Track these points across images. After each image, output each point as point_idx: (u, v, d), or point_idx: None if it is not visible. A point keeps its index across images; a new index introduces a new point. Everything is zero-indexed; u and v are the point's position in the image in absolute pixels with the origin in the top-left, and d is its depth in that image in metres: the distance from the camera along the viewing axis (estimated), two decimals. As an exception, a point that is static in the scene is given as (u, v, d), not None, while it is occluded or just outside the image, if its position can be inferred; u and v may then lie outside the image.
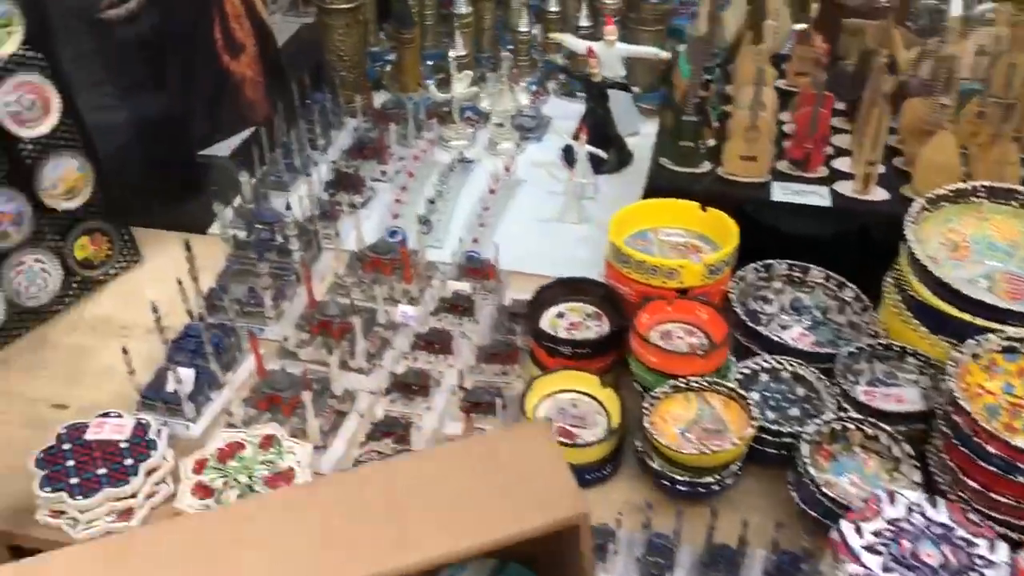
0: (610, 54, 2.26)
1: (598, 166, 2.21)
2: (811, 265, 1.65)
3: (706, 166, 1.76)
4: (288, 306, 1.79)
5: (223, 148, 2.49)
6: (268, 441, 1.45)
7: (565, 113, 2.54)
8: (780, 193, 1.70)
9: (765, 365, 1.51)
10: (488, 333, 1.70)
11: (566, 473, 0.96)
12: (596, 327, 1.60)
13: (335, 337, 1.64)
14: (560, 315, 1.63)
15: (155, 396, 1.55)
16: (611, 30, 2.26)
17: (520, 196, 2.20)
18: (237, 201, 2.06)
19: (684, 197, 1.69)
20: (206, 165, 2.42)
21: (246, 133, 2.54)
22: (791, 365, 1.50)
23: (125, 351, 1.51)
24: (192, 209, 2.23)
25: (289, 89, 2.33)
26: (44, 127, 1.68)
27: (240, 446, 1.44)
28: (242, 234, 1.87)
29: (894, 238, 1.51)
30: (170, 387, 1.56)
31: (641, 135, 2.39)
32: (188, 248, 1.68)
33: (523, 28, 2.55)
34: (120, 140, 2.01)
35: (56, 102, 1.68)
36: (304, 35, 2.78)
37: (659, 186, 1.74)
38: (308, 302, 1.71)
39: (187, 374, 1.56)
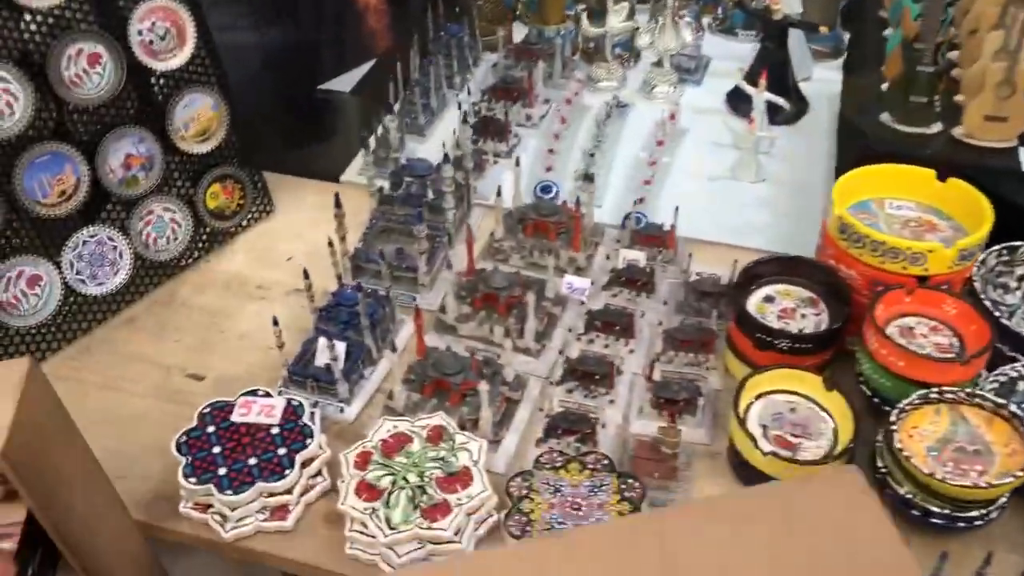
0: (789, -13, 1.97)
1: (773, 116, 1.94)
2: (1064, 250, 1.39)
3: (937, 126, 1.49)
4: (442, 272, 1.58)
5: (343, 83, 2.30)
6: (437, 434, 1.25)
7: (723, 53, 2.27)
8: (1031, 162, 1.43)
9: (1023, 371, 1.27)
10: (672, 314, 1.48)
11: (894, 539, 0.74)
12: (813, 316, 1.37)
13: (502, 312, 1.43)
14: (769, 299, 1.40)
15: (303, 372, 1.37)
16: (791, -40, 1.97)
17: (685, 149, 1.95)
18: (372, 146, 1.85)
19: (908, 162, 1.43)
20: (327, 101, 2.23)
21: (366, 67, 2.34)
22: (1055, 373, 1.25)
23: (276, 323, 1.32)
24: (318, 152, 2.05)
25: (417, 19, 2.09)
26: (179, 59, 1.48)
27: (406, 439, 1.25)
28: (382, 183, 1.66)
29: None
30: (319, 361, 1.38)
31: (813, 80, 2.12)
32: (338, 203, 1.47)
33: (683, -44, 2.25)
34: (249, 70, 1.81)
35: (192, 31, 1.48)
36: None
37: (879, 149, 1.48)
38: (467, 269, 1.50)
39: (340, 348, 1.37)
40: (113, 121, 1.43)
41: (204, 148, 1.56)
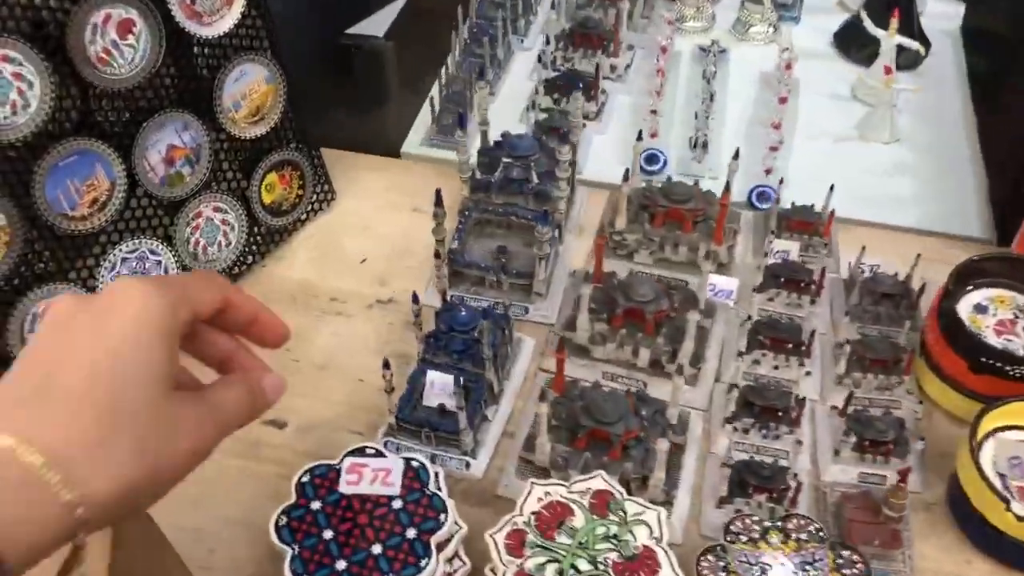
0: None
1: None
2: None
3: None
4: (555, 275, 1.31)
5: (374, 25, 1.97)
6: (603, 502, 1.00)
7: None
8: None
9: None
10: (846, 323, 1.23)
11: None
12: (1040, 330, 1.12)
13: (650, 331, 1.17)
14: (980, 308, 1.15)
15: (413, 418, 1.10)
16: None
17: (800, 103, 1.67)
18: (436, 110, 1.55)
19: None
20: (362, 50, 1.90)
21: (398, 4, 2.01)
22: None
23: (387, 366, 1.04)
24: (366, 118, 1.73)
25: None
26: (227, 21, 1.15)
27: (566, 510, 0.99)
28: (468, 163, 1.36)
29: None
30: (430, 401, 1.11)
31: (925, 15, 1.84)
32: (439, 200, 1.18)
33: None
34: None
35: (241, -14, 1.15)
36: None
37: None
38: (595, 274, 1.23)
39: (455, 385, 1.11)
40: (151, 106, 1.12)
41: (259, 130, 1.25)
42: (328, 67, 1.85)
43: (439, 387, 1.12)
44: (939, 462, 1.10)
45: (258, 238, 1.32)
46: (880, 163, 1.55)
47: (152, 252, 1.17)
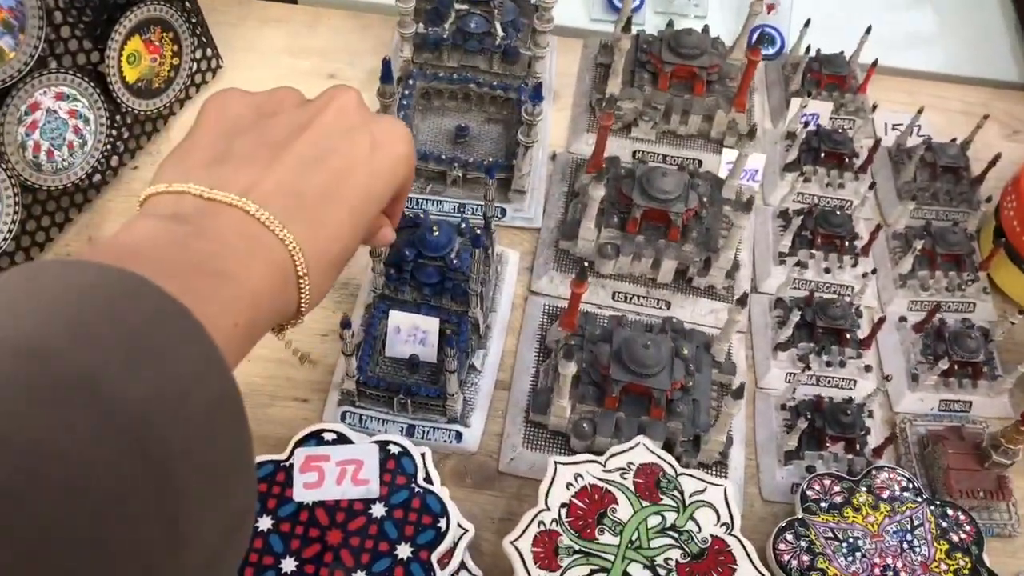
0: None
1: None
2: None
3: None
4: (533, 161, 1.00)
5: None
6: (651, 479, 0.76)
7: None
8: None
9: None
10: (897, 206, 0.99)
11: None
12: None
13: (675, 237, 0.90)
14: (1079, 187, 0.92)
15: (376, 380, 0.82)
16: None
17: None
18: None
19: None
20: None
21: None
22: None
23: (346, 325, 0.74)
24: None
25: None
26: None
27: (606, 496, 0.75)
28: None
29: None
30: (396, 350, 0.83)
31: None
32: (387, 74, 0.84)
33: None
34: None
35: None
36: None
37: None
38: (594, 161, 0.93)
39: (430, 324, 0.82)
40: (-66, -55, 0.72)
41: (109, -23, 0.86)
42: None
43: (407, 332, 0.83)
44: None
45: (123, 131, 0.95)
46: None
47: (-30, 168, 0.80)
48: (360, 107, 0.53)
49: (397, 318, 0.83)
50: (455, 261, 0.82)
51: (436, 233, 0.82)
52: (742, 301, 0.79)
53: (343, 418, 0.83)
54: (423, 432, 0.82)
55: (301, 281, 0.46)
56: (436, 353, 0.82)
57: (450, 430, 0.83)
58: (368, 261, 0.85)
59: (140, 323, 0.35)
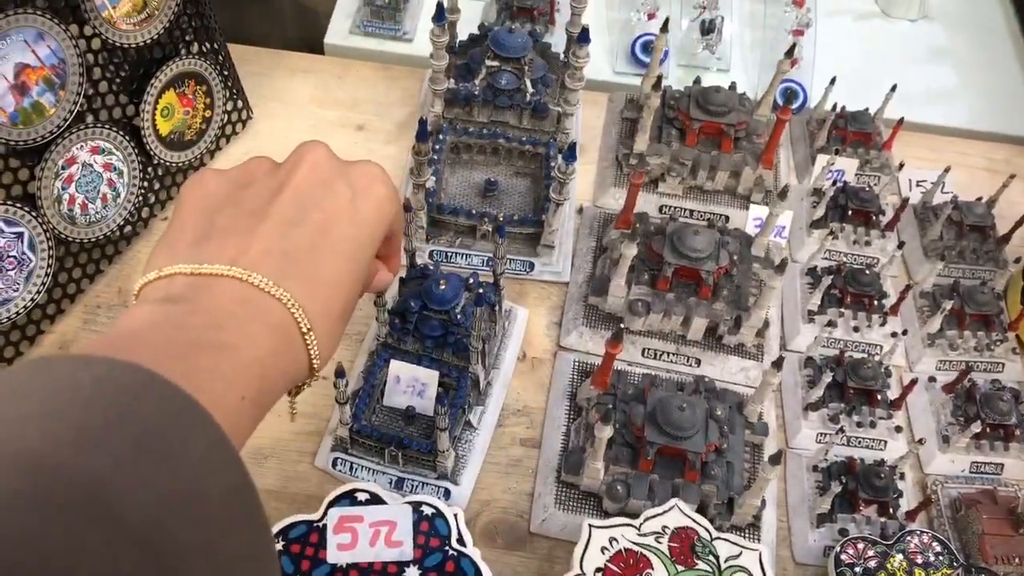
0: None
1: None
2: None
3: None
4: (559, 215, 1.01)
5: None
6: (685, 544, 0.76)
7: None
8: None
9: None
10: (923, 264, 0.99)
11: None
12: None
13: (706, 295, 0.90)
14: (1108, 249, 0.93)
15: (370, 428, 0.81)
16: None
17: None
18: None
19: None
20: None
21: None
22: None
23: (340, 374, 0.74)
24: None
25: None
26: None
27: (641, 560, 0.75)
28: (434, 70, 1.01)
29: None
30: (393, 400, 0.83)
31: None
32: (423, 134, 0.85)
33: None
34: None
35: None
36: None
37: None
38: (623, 217, 0.93)
39: (430, 377, 0.82)
40: (-18, 7, 0.73)
41: (147, 33, 0.87)
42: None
43: (406, 383, 0.83)
44: (1054, 437, 0.90)
45: (155, 183, 0.95)
46: (911, 47, 1.30)
47: (8, 222, 0.80)
48: (331, 159, 0.53)
49: (397, 368, 0.83)
50: (459, 316, 0.82)
51: (443, 287, 0.82)
52: (778, 364, 0.79)
53: (334, 464, 0.83)
54: (411, 486, 0.82)
55: (306, 337, 0.47)
56: (433, 406, 0.82)
57: (439, 486, 0.82)
58: (373, 310, 0.85)
59: (147, 422, 0.35)
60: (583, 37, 0.92)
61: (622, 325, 0.85)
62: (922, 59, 1.28)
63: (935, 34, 1.31)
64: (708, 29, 1.20)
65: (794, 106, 1.18)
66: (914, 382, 0.86)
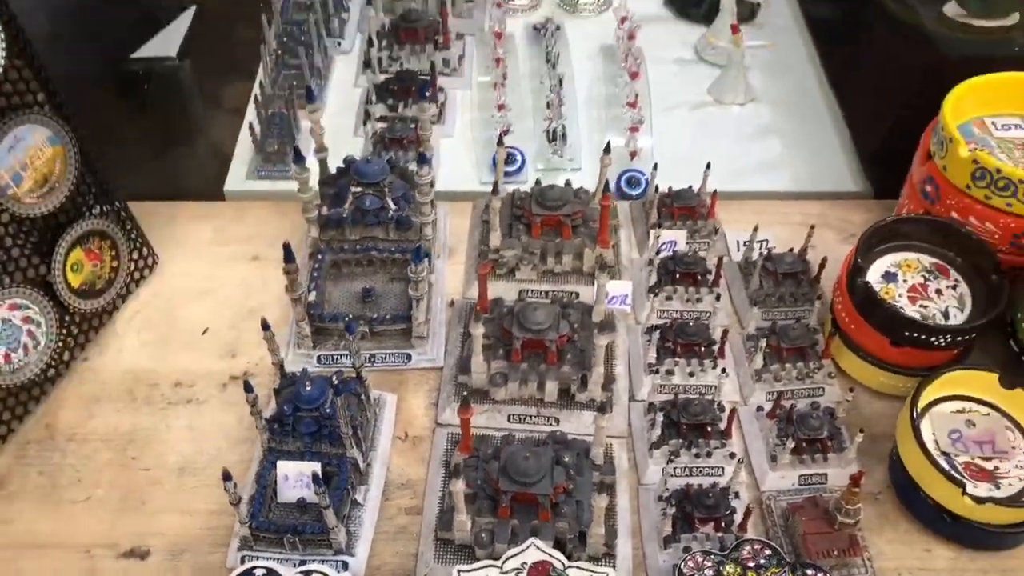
0: None
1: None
2: None
3: (1015, 17, 1.20)
4: (432, 310, 1.16)
5: (163, 45, 1.73)
6: (541, 573, 0.87)
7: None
8: None
9: None
10: (749, 311, 1.15)
11: None
12: (950, 291, 1.07)
13: (552, 361, 1.04)
14: (889, 276, 1.08)
15: (268, 524, 0.93)
16: None
17: (647, 74, 1.56)
18: (257, 136, 1.37)
19: (987, 67, 1.13)
20: (154, 74, 1.66)
21: (185, 18, 1.78)
22: None
23: (227, 477, 0.86)
24: (176, 156, 1.51)
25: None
26: (-17, 81, 0.93)
27: (505, 599, 0.86)
28: (307, 191, 1.17)
29: None
30: (286, 496, 0.95)
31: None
32: (288, 255, 1.00)
33: None
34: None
35: (-6, 31, 0.93)
36: None
37: (951, 54, 1.17)
38: (480, 304, 1.08)
39: (312, 469, 0.94)
40: (-99, 201, 0.89)
41: (51, 203, 1.03)
42: (118, 101, 1.61)
43: (294, 478, 0.95)
44: (871, 446, 1.04)
45: (72, 329, 1.10)
46: (742, 127, 1.48)
47: (-62, 377, 0.94)
48: None
49: (283, 467, 0.95)
50: (328, 410, 0.95)
51: (309, 388, 0.95)
52: (602, 409, 0.93)
53: (242, 561, 0.92)
54: (310, 567, 0.92)
55: None
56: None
57: (336, 561, 0.93)
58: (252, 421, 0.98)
59: None
60: (422, 159, 1.09)
61: (466, 393, 0.98)
62: (751, 137, 1.46)
63: (761, 115, 1.50)
64: (554, 137, 1.38)
65: (637, 191, 1.35)
66: (734, 412, 1.00)
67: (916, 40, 1.21)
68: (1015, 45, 1.17)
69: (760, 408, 1.06)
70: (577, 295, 1.17)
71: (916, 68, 1.21)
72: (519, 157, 1.39)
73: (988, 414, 1.00)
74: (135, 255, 1.17)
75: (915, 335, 1.00)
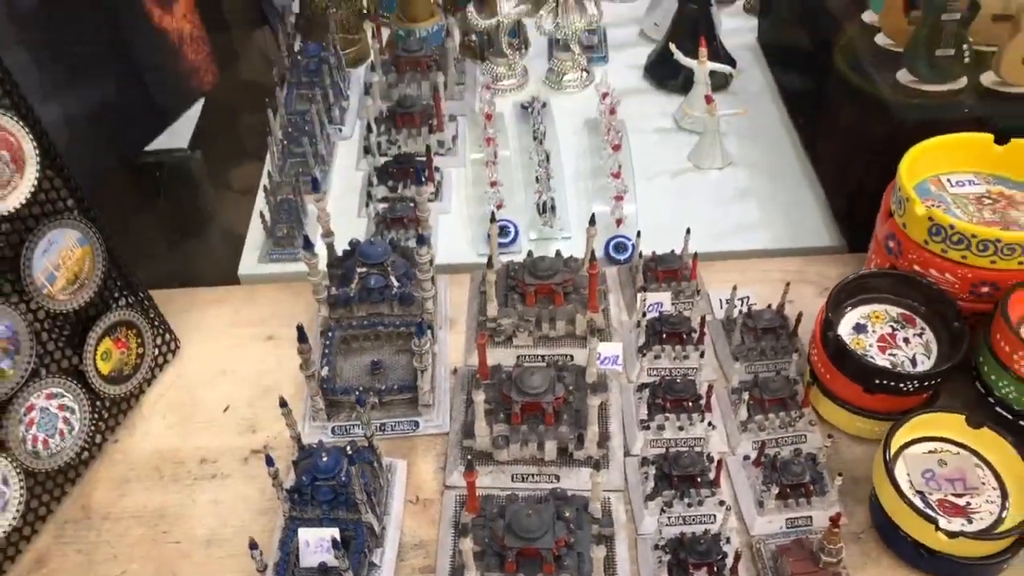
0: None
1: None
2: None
3: (963, 80, 1.29)
4: (436, 378, 1.24)
5: (174, 138, 1.84)
6: (548, 625, 0.94)
7: (613, 17, 1.99)
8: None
9: None
10: (733, 366, 1.22)
11: None
12: (916, 339, 1.15)
13: (550, 422, 1.12)
14: (860, 328, 1.16)
15: None
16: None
17: (630, 144, 1.67)
18: (267, 222, 1.46)
19: (939, 129, 1.22)
20: (167, 166, 1.78)
21: (195, 110, 1.90)
22: None
23: (254, 546, 0.94)
24: (193, 244, 1.61)
25: (253, 41, 1.69)
26: (22, 192, 1.03)
27: (512, 646, 0.93)
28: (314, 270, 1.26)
29: None
30: (308, 561, 1.02)
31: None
32: (302, 336, 1.09)
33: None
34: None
35: (30, 148, 1.03)
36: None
37: (907, 117, 1.26)
38: (481, 371, 1.16)
39: (331, 534, 1.01)
40: (-51, 306, 0.98)
41: (82, 298, 1.12)
42: (136, 194, 1.71)
43: (315, 545, 1.02)
44: (853, 488, 1.10)
45: (103, 413, 1.18)
46: (721, 190, 1.57)
47: (-17, 465, 1.02)
48: None
49: (304, 534, 1.02)
50: (344, 479, 1.02)
51: (325, 459, 1.03)
52: (597, 466, 1.00)
53: None
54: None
55: None
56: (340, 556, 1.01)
57: None
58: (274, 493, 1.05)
59: None
60: (420, 240, 1.18)
61: (470, 457, 1.06)
62: (730, 199, 1.56)
63: (739, 178, 1.60)
64: (544, 209, 1.47)
65: (624, 257, 1.44)
66: (720, 463, 1.07)
67: (873, 106, 1.31)
68: (964, 107, 1.26)
69: (747, 457, 1.13)
70: (572, 358, 1.25)
71: (875, 132, 1.30)
72: (512, 229, 1.48)
73: (958, 453, 1.06)
74: (159, 341, 1.26)
75: (885, 382, 1.08)
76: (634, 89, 1.81)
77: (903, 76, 1.30)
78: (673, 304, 1.29)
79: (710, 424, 1.15)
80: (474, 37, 1.85)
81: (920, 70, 1.27)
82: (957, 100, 1.28)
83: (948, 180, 1.21)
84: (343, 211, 1.53)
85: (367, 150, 1.59)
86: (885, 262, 1.20)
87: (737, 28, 1.94)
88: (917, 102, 1.27)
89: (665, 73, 1.78)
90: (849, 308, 1.18)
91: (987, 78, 1.29)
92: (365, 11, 1.96)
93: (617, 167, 1.52)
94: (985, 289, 1.11)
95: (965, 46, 1.25)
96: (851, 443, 1.16)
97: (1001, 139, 1.20)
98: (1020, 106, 1.26)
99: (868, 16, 1.43)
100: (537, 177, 1.52)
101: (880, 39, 1.38)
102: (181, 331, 1.32)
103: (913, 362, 1.12)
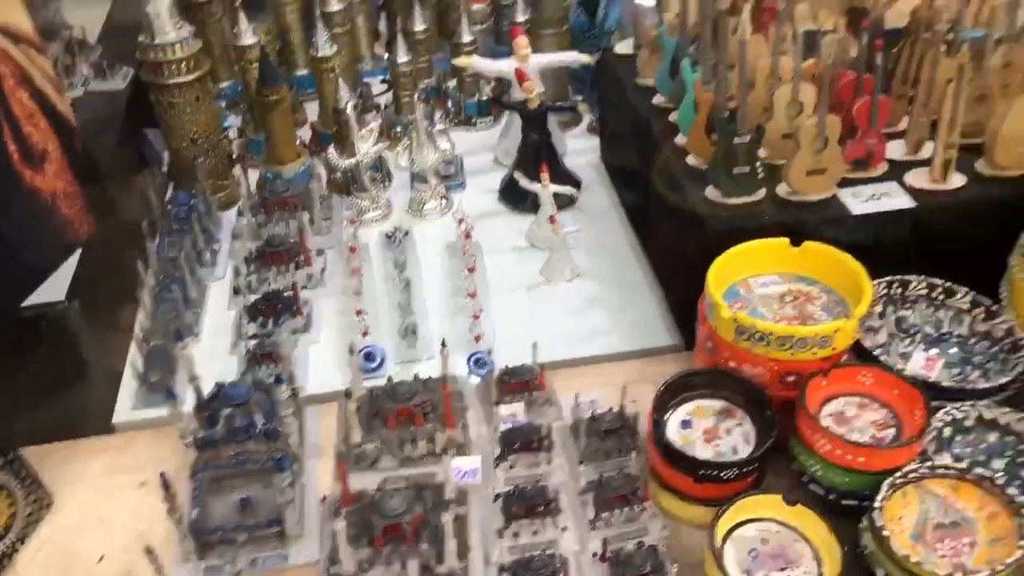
0: (528, 70, 1.89)
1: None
2: (910, 277, 1.42)
3: (761, 192, 1.46)
4: (306, 508, 1.30)
5: (51, 291, 1.89)
6: None
7: (468, 146, 2.15)
8: (856, 203, 1.44)
9: (947, 419, 1.25)
10: (579, 468, 1.32)
11: None
12: (737, 428, 1.27)
13: (410, 541, 1.20)
14: (685, 424, 1.28)
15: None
16: (523, 42, 1.90)
17: (487, 263, 1.79)
18: (140, 369, 1.52)
19: (745, 235, 1.38)
20: (44, 321, 1.81)
21: (71, 262, 1.95)
22: (972, 409, 1.25)
23: None
24: (67, 398, 1.65)
25: (124, 192, 1.77)
26: None
27: None
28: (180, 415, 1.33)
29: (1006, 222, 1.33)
30: None
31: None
32: (166, 484, 1.15)
33: (403, 59, 2.09)
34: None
35: None
36: (105, 111, 2.15)
37: (719, 228, 1.42)
38: (344, 497, 1.24)
39: None
40: None
41: (-54, 468, 1.16)
42: (14, 351, 1.75)
43: None
44: (691, 572, 1.19)
45: (-25, 577, 1.20)
46: (571, 301, 1.70)
47: None
48: None
49: None
50: None
51: None
52: (447, 579, 1.08)
53: None
54: None
55: None
56: None
57: None
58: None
59: None
60: (278, 380, 1.26)
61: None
62: (580, 309, 1.68)
63: (587, 288, 1.73)
64: (406, 333, 1.57)
65: (484, 370, 1.54)
66: (566, 562, 1.16)
67: (688, 220, 1.46)
68: (764, 215, 1.43)
69: (595, 554, 1.22)
70: (435, 475, 1.33)
71: (690, 244, 1.45)
72: (378, 354, 1.57)
73: (778, 531, 1.17)
74: (30, 499, 1.29)
75: (708, 472, 1.19)
76: (491, 212, 1.95)
77: (710, 192, 1.46)
78: (527, 414, 1.39)
79: (563, 528, 1.24)
80: (339, 174, 1.97)
81: (722, 186, 1.43)
82: (758, 210, 1.44)
83: (755, 282, 1.36)
84: (216, 350, 1.60)
85: (237, 290, 1.67)
86: (707, 360, 1.33)
87: (582, 148, 2.12)
88: (723, 215, 1.43)
89: (516, 196, 1.93)
90: (677, 405, 1.29)
91: (782, 188, 1.46)
92: (234, 156, 2.08)
93: (473, 287, 1.64)
94: (791, 378, 1.25)
95: (758, 164, 1.41)
96: (692, 530, 1.26)
97: (796, 242, 1.36)
98: (809, 212, 1.43)
99: (680, 139, 1.60)
100: (399, 304, 1.63)
101: (691, 159, 1.54)
102: (59, 484, 1.36)
103: (735, 451, 1.24)
